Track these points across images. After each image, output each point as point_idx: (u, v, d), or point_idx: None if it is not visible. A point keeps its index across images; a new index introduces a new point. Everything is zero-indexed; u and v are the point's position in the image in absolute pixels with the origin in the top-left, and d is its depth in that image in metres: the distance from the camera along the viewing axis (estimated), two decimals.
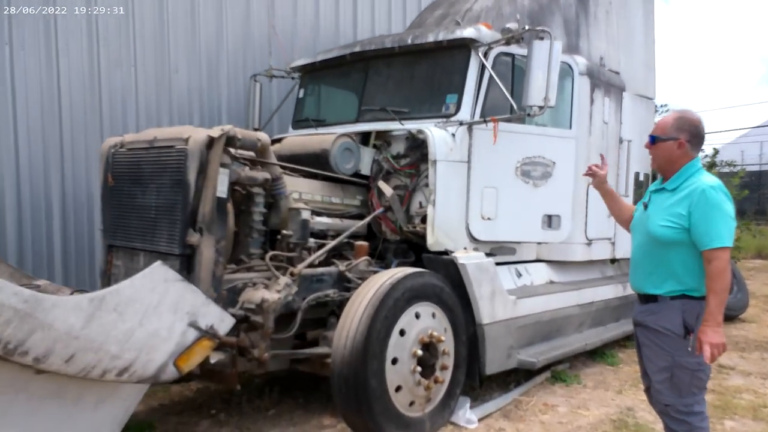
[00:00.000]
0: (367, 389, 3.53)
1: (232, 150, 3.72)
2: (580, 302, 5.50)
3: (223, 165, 3.52)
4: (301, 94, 6.06)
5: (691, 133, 2.83)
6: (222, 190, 3.53)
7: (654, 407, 3.07)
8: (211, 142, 3.47)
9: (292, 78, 6.29)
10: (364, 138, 5.00)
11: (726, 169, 8.91)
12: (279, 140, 5.36)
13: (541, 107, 4.26)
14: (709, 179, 2.79)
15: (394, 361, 3.69)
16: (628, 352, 6.17)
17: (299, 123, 5.92)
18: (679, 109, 3.02)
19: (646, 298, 2.91)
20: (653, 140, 2.89)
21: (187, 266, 3.51)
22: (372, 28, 7.85)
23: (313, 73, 5.96)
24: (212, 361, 3.19)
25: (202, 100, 6.57)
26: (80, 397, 2.66)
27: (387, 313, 3.66)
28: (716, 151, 8.71)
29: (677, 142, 2.82)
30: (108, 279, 4.08)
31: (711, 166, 8.29)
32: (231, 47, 6.76)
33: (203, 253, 3.43)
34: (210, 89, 6.62)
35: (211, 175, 3.46)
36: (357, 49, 5.35)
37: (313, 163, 4.71)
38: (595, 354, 5.85)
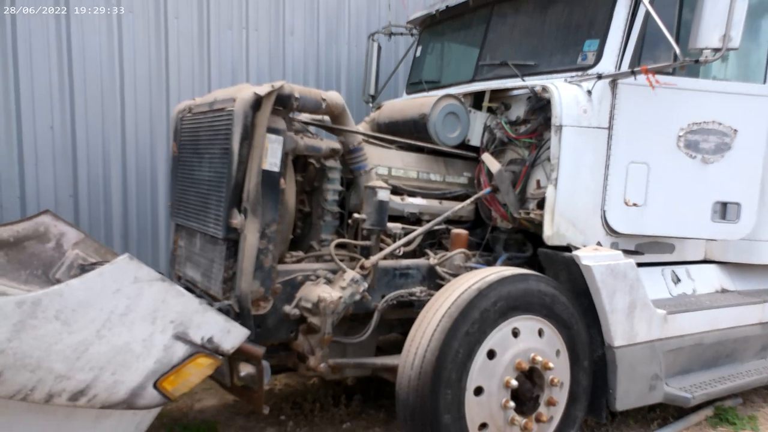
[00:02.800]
0: (438, 425, 2.72)
1: (291, 113, 3.08)
2: (764, 319, 4.08)
3: (273, 130, 2.88)
4: (418, 53, 5.25)
5: None
6: (273, 162, 2.90)
7: None
8: (257, 101, 2.83)
9: (412, 35, 5.51)
10: (478, 100, 4.07)
11: None
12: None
13: (717, 50, 3.01)
14: None
15: (478, 391, 2.82)
16: None
17: (413, 86, 5.14)
18: None
19: None
20: None
21: (234, 253, 2.96)
22: None
23: (432, 27, 5.12)
24: (241, 374, 2.62)
25: (319, 65, 6.07)
26: (72, 411, 2.22)
27: (470, 328, 2.79)
28: None
29: None
30: (173, 262, 3.72)
31: None
32: (354, 6, 6.16)
33: (246, 239, 2.84)
34: (328, 53, 6.11)
35: (257, 143, 2.83)
36: None
37: (412, 132, 3.92)
38: None
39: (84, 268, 3.61)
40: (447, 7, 4.72)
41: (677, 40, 3.30)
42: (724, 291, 4.14)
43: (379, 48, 5.67)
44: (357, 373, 3.47)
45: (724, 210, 3.75)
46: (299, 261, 3.28)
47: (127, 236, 5.15)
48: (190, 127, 3.49)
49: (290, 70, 5.91)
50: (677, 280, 3.92)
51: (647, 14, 3.40)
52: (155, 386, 2.14)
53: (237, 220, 2.87)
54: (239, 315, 2.81)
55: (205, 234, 3.20)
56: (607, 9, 3.57)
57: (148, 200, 5.25)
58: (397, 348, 3.49)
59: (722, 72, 3.87)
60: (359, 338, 3.21)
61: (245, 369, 2.59)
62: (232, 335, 2.29)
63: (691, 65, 3.22)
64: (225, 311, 2.75)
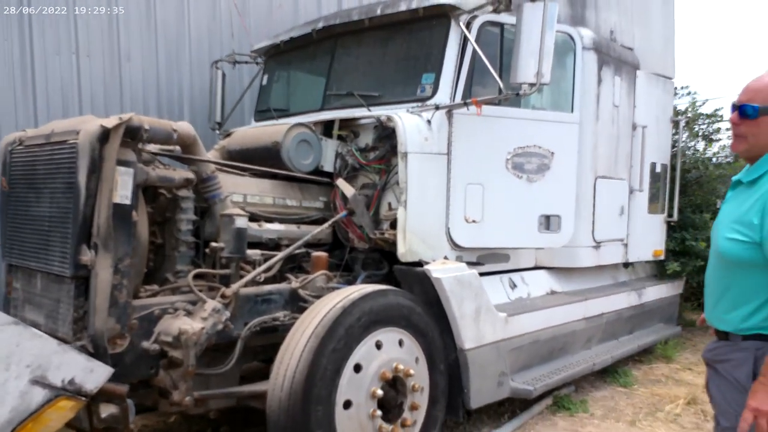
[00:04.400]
0: None
1: (141, 144, 3.01)
2: (587, 315, 4.71)
3: (123, 163, 2.79)
4: (264, 81, 5.32)
5: None
6: (124, 194, 2.80)
7: None
8: (105, 134, 2.73)
9: (257, 63, 5.56)
10: (329, 128, 4.25)
11: None
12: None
13: (532, 85, 3.48)
14: None
15: (347, 404, 2.94)
16: (644, 369, 5.40)
17: (261, 114, 5.19)
18: None
19: (718, 334, 2.18)
20: (755, 112, 2.01)
21: (84, 291, 2.79)
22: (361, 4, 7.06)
23: (277, 56, 5.22)
24: (102, 415, 2.48)
25: (160, 92, 5.85)
26: None
27: (336, 344, 2.91)
28: None
29: None
30: (8, 305, 3.38)
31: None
32: (194, 32, 6.03)
33: (98, 276, 2.70)
34: (169, 79, 5.90)
35: (106, 176, 2.72)
36: (321, 25, 4.60)
37: (265, 159, 3.98)
38: (606, 373, 5.07)
39: None
40: (291, 38, 4.86)
41: (501, 75, 3.76)
42: (553, 293, 4.70)
43: (224, 75, 5.65)
44: (222, 405, 3.40)
45: (547, 222, 4.29)
46: (154, 295, 3.17)
47: None
48: (22, 160, 3.23)
49: (128, 98, 5.62)
50: (514, 285, 4.38)
51: (475, 52, 3.82)
52: None
53: (87, 256, 2.72)
54: (94, 355, 2.64)
55: (48, 273, 2.97)
56: (441, 46, 3.95)
57: None
58: (260, 376, 3.51)
59: (540, 102, 4.43)
60: (224, 368, 3.17)
61: (106, 410, 2.45)
62: (95, 374, 2.18)
63: (512, 97, 3.68)
64: None
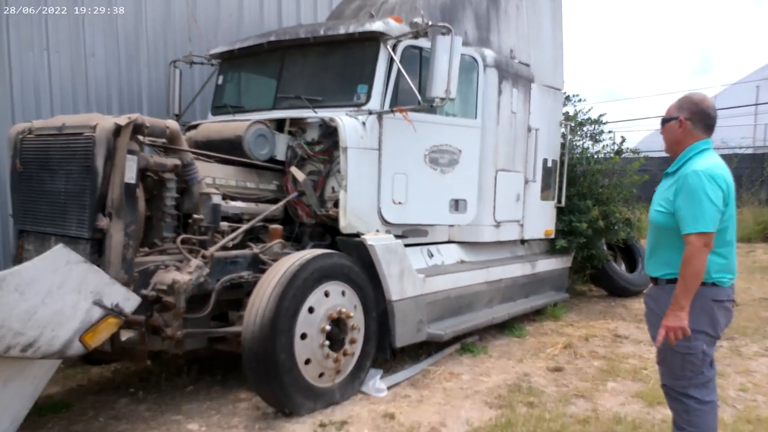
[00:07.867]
0: (276, 363, 3.74)
1: (141, 137, 3.83)
2: (488, 279, 5.88)
3: (131, 152, 3.63)
4: (220, 81, 6.14)
5: (691, 111, 2.81)
6: (130, 176, 3.64)
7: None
8: (118, 129, 3.57)
9: (212, 65, 6.35)
10: (280, 125, 5.16)
11: (630, 156, 9.49)
12: (196, 126, 5.46)
13: (442, 99, 4.53)
14: (701, 163, 2.72)
15: (303, 336, 3.91)
16: (535, 325, 6.63)
17: (218, 109, 6.01)
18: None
19: (653, 281, 2.97)
20: (662, 122, 2.89)
21: (98, 250, 3.61)
22: (297, 19, 7.94)
23: (231, 60, 6.05)
24: (123, 339, 3.33)
25: (121, 86, 6.52)
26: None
27: (296, 291, 3.87)
28: (623, 139, 9.24)
29: (677, 121, 2.82)
30: (19, 263, 4.09)
31: (617, 153, 8.82)
32: (150, 31, 6.72)
33: (113, 237, 3.54)
34: (129, 75, 6.58)
35: (118, 162, 3.55)
36: (272, 38, 5.48)
37: (228, 149, 4.84)
38: (505, 327, 6.27)
39: None
40: (246, 46, 5.71)
41: (420, 89, 4.79)
42: (462, 261, 5.82)
43: (181, 73, 6.41)
44: (196, 345, 4.25)
45: (456, 205, 5.41)
46: (147, 255, 4.01)
47: None
48: (34, 146, 3.98)
49: (93, 92, 6.26)
50: (431, 255, 5.47)
51: (399, 69, 4.84)
52: (80, 340, 2.80)
53: (102, 222, 3.54)
54: None
55: (63, 236, 3.75)
56: (372, 63, 4.94)
57: None
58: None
59: (452, 110, 5.52)
60: (203, 313, 4.04)
61: (126, 334, 3.30)
62: (130, 301, 3.04)
63: (428, 107, 4.72)
64: None
